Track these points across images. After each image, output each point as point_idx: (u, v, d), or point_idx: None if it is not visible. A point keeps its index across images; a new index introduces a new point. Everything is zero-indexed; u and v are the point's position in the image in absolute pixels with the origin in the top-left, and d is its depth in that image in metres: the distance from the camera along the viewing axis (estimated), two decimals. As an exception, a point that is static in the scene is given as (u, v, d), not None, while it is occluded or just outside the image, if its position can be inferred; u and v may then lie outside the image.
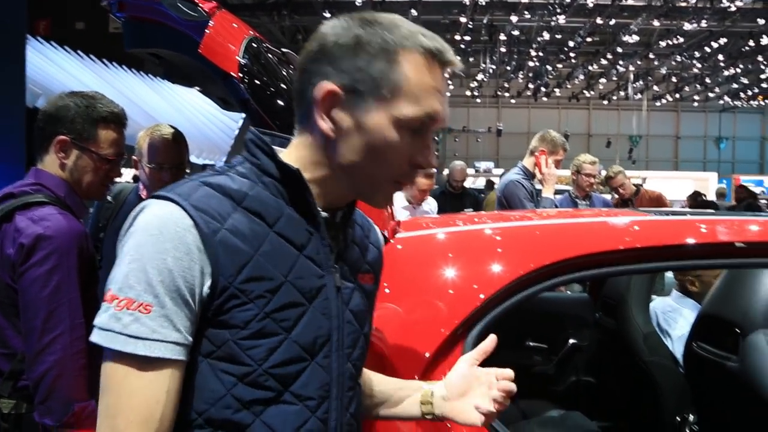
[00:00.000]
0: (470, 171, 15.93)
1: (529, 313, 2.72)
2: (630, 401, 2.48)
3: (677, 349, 2.19)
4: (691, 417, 2.09)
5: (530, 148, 3.28)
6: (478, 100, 23.29)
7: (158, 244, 0.70)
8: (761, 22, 14.89)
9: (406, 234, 1.45)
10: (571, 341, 2.67)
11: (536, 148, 3.21)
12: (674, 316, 2.31)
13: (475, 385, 0.96)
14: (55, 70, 8.35)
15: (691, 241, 1.34)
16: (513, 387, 0.94)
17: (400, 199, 4.16)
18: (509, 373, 1.00)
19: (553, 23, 15.25)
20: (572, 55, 18.46)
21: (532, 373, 2.67)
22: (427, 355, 1.16)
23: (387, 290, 1.27)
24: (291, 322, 0.76)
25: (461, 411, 0.96)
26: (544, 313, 2.75)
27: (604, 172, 5.06)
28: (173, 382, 0.72)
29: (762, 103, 23.95)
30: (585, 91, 23.03)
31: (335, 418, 0.83)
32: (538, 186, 3.24)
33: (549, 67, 19.82)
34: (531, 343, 2.68)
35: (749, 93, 22.44)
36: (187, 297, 0.71)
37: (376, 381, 1.01)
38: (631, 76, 21.11)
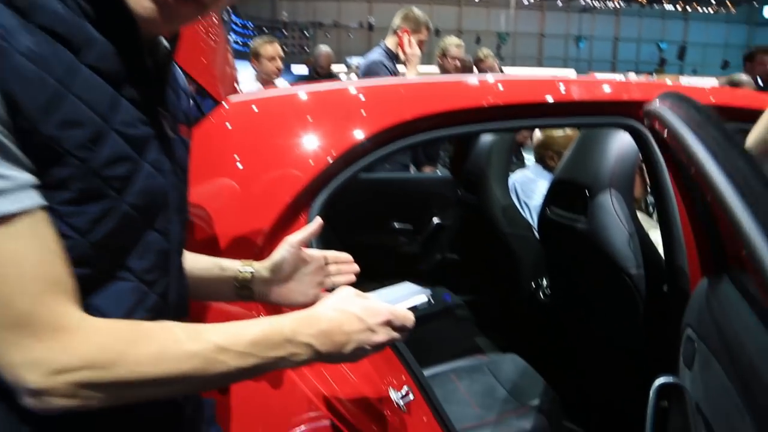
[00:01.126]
0: (342, 68, 15.49)
1: (393, 195, 2.71)
2: (491, 273, 2.57)
3: (534, 218, 2.26)
4: (545, 281, 2.19)
5: (392, 26, 3.11)
6: (350, -6, 22.41)
7: None
8: None
9: (243, 98, 1.28)
10: (435, 220, 2.70)
11: (398, 26, 3.04)
12: (532, 187, 2.36)
13: (302, 267, 0.90)
14: None
15: (548, 99, 1.30)
16: (353, 270, 0.94)
17: (251, 82, 3.87)
18: (344, 256, 0.95)
19: None
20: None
21: (398, 253, 2.69)
22: (266, 228, 1.03)
23: (227, 162, 1.11)
24: (122, 181, 0.60)
25: (284, 295, 0.90)
26: (408, 194, 2.74)
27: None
28: (53, 229, 0.55)
29: (617, 5, 25.31)
30: (456, -13, 22.90)
31: (175, 289, 0.71)
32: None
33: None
34: (396, 225, 2.69)
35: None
36: (10, 133, 0.52)
37: (189, 260, 0.84)
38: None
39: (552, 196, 1.84)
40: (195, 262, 0.86)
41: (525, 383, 1.70)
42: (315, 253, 0.92)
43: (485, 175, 2.29)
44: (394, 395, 1.01)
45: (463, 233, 2.77)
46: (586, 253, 1.65)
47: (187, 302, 0.77)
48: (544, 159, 2.42)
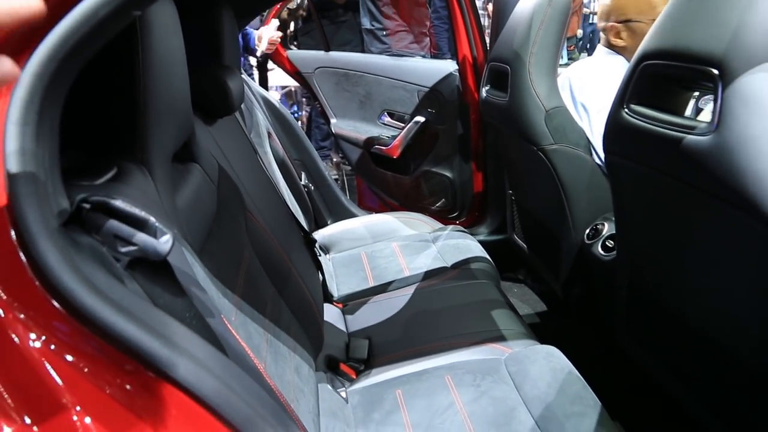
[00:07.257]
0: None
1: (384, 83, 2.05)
2: (522, 211, 1.82)
3: (596, 129, 1.45)
4: (606, 227, 1.43)
5: None
6: None
7: None
8: None
9: None
10: (419, 118, 2.10)
11: None
12: (593, 82, 1.52)
13: None
14: None
15: None
16: None
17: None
18: None
19: None
20: None
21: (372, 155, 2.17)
22: None
23: None
24: None
25: None
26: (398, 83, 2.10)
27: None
28: None
29: None
30: None
31: None
32: None
33: None
34: (384, 118, 2.17)
35: None
36: None
37: None
38: None
39: (634, 87, 1.03)
40: None
41: (566, 407, 0.98)
42: None
43: (520, 61, 1.48)
44: None
45: (482, 147, 2.01)
46: (703, 182, 0.88)
47: None
48: (610, 36, 1.55)
